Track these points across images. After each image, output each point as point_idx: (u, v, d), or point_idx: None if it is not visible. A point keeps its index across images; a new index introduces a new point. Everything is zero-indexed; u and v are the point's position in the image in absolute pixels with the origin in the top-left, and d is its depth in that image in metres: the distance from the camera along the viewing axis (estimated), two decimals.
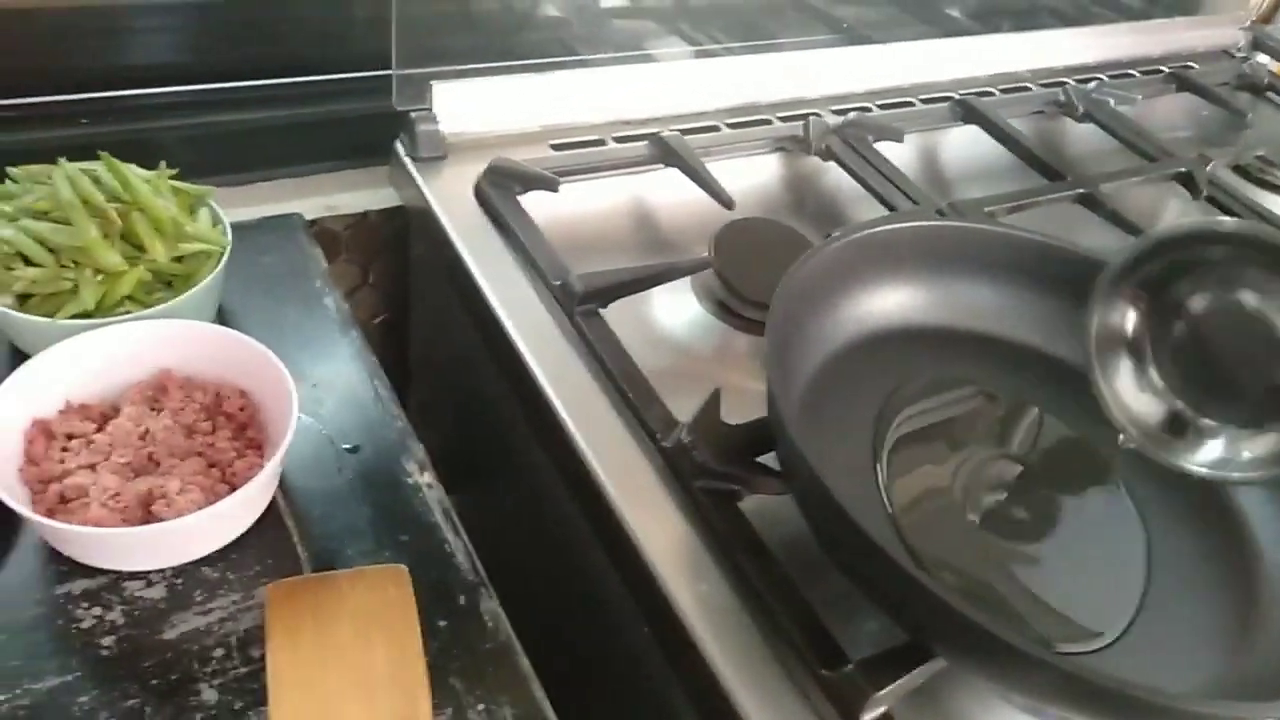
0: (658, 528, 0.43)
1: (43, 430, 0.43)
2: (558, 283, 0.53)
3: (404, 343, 0.75)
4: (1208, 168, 0.78)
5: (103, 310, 0.46)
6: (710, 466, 0.44)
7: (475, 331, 0.56)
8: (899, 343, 0.51)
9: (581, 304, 0.52)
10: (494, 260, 0.56)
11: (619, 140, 0.67)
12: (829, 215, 0.71)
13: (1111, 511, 0.47)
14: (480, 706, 0.40)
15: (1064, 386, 0.51)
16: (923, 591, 0.34)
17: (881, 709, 0.37)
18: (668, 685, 0.43)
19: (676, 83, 0.72)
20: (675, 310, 0.58)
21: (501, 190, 0.59)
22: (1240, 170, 0.84)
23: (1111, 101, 0.86)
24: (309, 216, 0.63)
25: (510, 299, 0.54)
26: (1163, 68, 0.98)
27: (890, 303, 0.51)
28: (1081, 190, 0.72)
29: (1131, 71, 0.96)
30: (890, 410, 0.48)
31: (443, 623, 0.42)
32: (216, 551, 0.43)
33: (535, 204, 0.60)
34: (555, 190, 0.60)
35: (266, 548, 0.44)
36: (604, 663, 0.49)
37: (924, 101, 0.82)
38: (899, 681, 0.37)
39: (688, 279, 0.60)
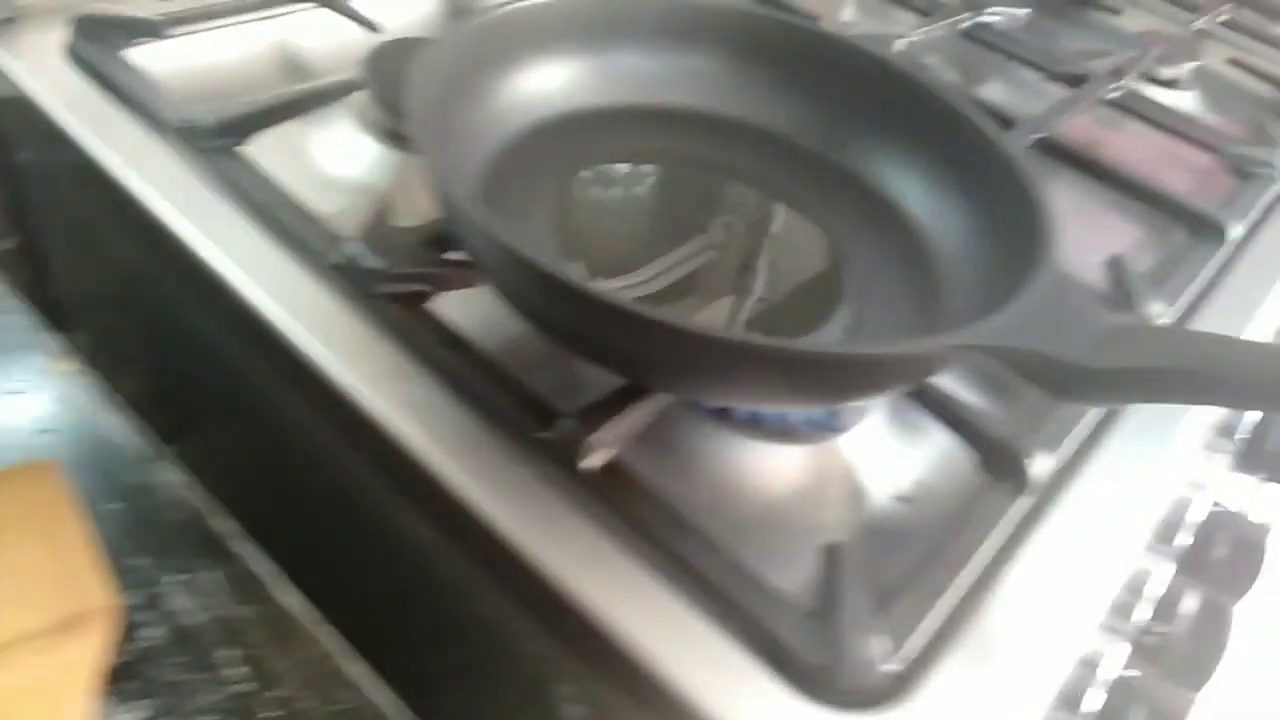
0: (344, 347, 0.39)
1: None
2: (183, 125, 0.46)
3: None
4: None
5: None
6: (390, 272, 0.40)
7: (108, 207, 0.48)
8: (568, 127, 0.48)
9: (212, 139, 0.45)
10: (110, 126, 0.47)
11: None
12: None
13: (803, 240, 0.47)
14: (181, 577, 0.35)
15: (735, 140, 0.50)
16: (621, 312, 0.32)
17: (603, 453, 0.35)
18: (397, 508, 0.39)
19: None
20: (345, 150, 0.53)
21: (101, 45, 0.51)
22: None
23: None
24: None
25: (141, 162, 0.46)
26: None
27: (552, 87, 0.49)
28: None
29: None
30: (567, 191, 0.46)
31: (115, 506, 0.36)
32: None
33: (153, 61, 0.52)
34: (161, 37, 0.52)
35: None
36: (331, 508, 0.45)
37: None
38: (613, 421, 0.36)
39: (352, 116, 0.54)
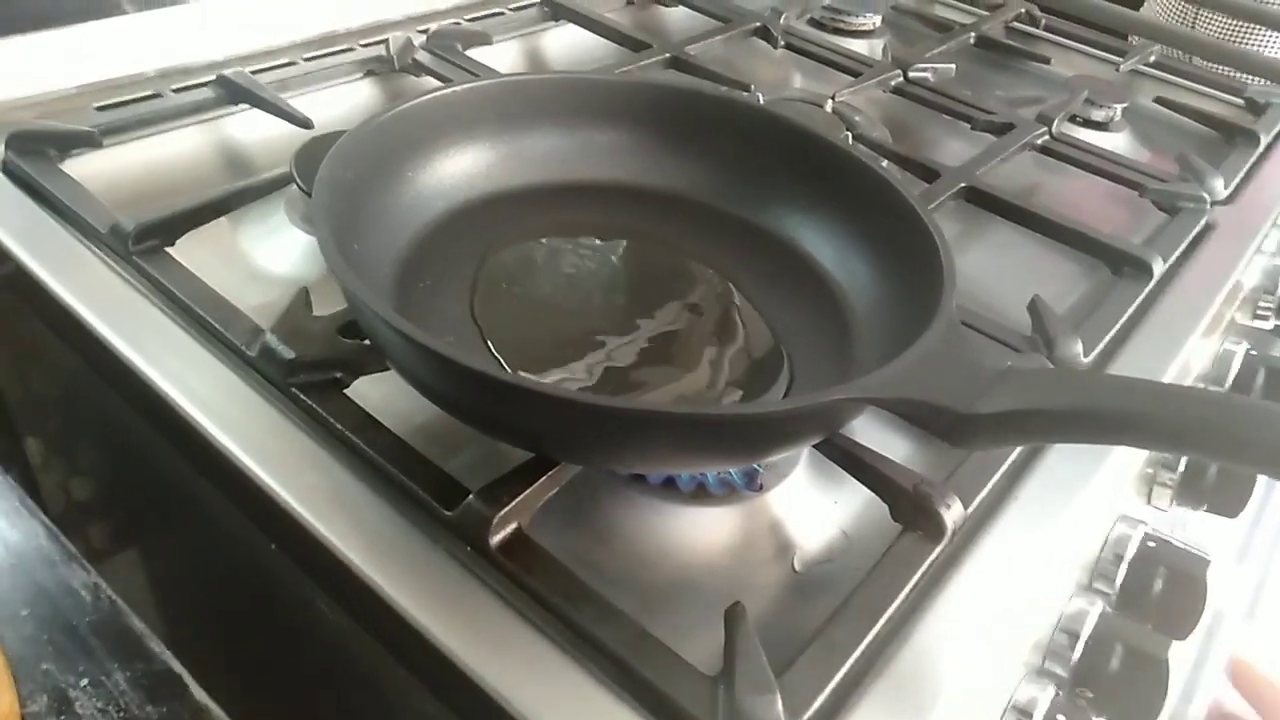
0: (259, 439, 0.40)
1: None
2: (108, 232, 0.48)
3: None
4: (781, 20, 0.84)
5: None
6: (305, 360, 0.41)
7: (41, 315, 0.49)
8: (487, 210, 0.50)
9: (138, 242, 0.47)
10: (41, 237, 0.49)
11: (179, 90, 0.62)
12: None
13: (715, 306, 0.48)
14: (84, 683, 0.35)
15: (651, 208, 0.52)
16: (516, 390, 0.33)
17: (511, 527, 0.36)
18: (313, 598, 0.40)
19: (239, 22, 0.67)
20: (277, 244, 0.54)
21: (35, 158, 0.53)
22: (814, 21, 0.91)
23: None
24: None
25: (68, 269, 0.47)
26: None
27: (470, 171, 0.50)
28: (669, 54, 0.75)
29: None
30: (483, 272, 0.47)
31: (25, 611, 0.37)
32: None
33: (92, 171, 0.54)
34: (99, 146, 0.54)
35: None
36: (248, 601, 0.45)
37: (513, 10, 0.82)
38: (522, 495, 0.36)
39: (283, 212, 0.56)
